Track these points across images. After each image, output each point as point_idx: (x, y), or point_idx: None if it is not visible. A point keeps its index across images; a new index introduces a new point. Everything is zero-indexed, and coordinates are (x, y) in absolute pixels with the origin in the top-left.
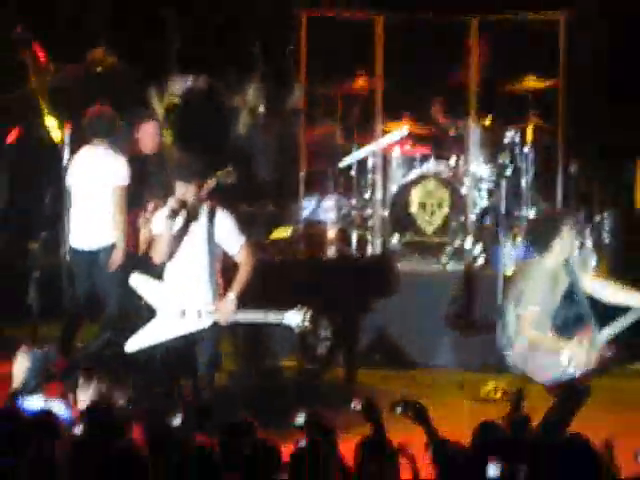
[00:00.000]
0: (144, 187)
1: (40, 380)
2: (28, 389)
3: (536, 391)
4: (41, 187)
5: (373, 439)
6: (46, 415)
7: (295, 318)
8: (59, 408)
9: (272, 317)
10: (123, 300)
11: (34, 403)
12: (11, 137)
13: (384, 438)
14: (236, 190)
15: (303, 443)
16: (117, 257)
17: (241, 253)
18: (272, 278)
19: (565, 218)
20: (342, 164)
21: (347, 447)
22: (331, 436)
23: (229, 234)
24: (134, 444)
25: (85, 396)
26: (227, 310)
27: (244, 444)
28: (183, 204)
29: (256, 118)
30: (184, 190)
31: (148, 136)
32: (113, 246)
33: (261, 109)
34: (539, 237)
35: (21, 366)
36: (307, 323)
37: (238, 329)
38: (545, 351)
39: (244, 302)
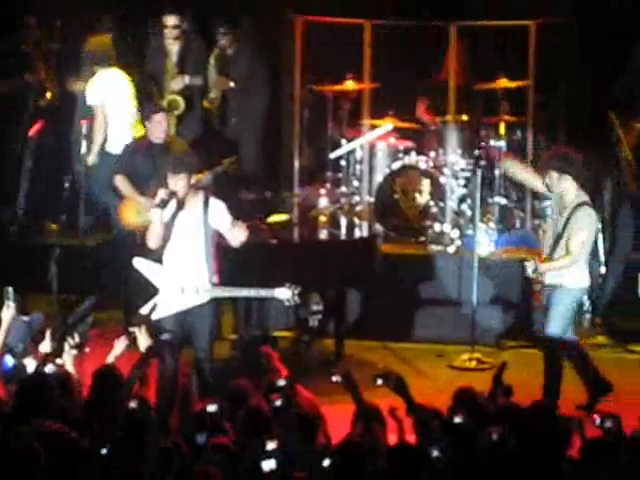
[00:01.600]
0: (153, 176)
1: (28, 344)
2: (17, 353)
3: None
4: (61, 174)
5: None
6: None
7: (285, 293)
8: (49, 369)
9: (264, 293)
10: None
11: (28, 365)
12: (34, 129)
13: (363, 404)
14: (237, 178)
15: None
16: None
17: (232, 228)
18: (269, 258)
19: None
20: (333, 155)
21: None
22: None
23: (221, 215)
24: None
25: (70, 360)
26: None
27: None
28: (172, 194)
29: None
30: (174, 181)
31: (157, 126)
32: None
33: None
34: None
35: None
36: (296, 298)
37: (238, 304)
38: None
39: (243, 279)
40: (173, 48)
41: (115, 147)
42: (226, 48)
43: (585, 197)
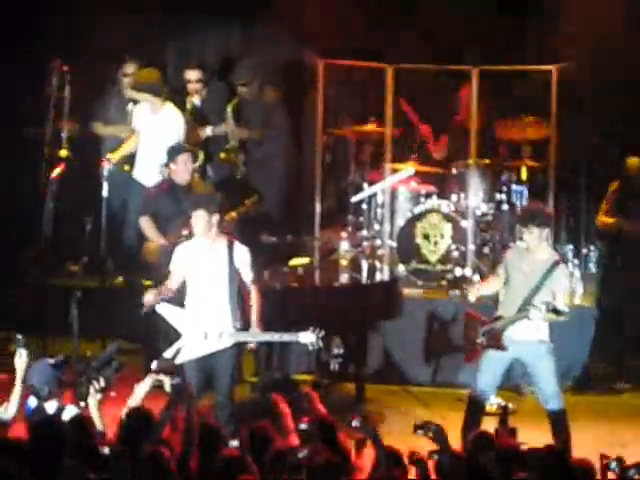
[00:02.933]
0: (176, 218)
1: (52, 388)
2: (42, 395)
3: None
4: (82, 216)
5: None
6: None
7: (309, 337)
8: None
9: (287, 337)
10: None
11: (49, 407)
12: (56, 172)
13: (383, 449)
14: (259, 221)
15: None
16: None
17: (253, 283)
18: (291, 302)
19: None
20: (355, 199)
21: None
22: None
23: (246, 263)
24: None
25: (95, 403)
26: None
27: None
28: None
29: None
30: (196, 219)
31: (182, 166)
32: None
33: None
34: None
35: (29, 375)
36: (320, 342)
37: (260, 347)
38: None
39: (266, 324)
40: (194, 100)
41: (142, 175)
42: (245, 97)
43: (557, 254)
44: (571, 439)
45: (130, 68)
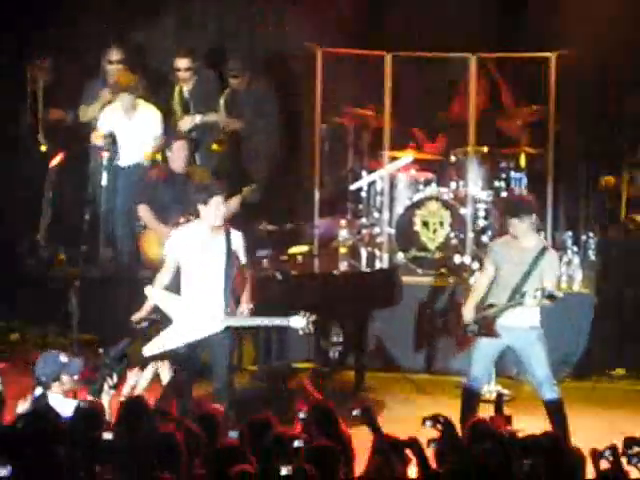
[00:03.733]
0: (175, 206)
1: (61, 379)
2: (42, 383)
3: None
4: (81, 205)
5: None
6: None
7: (300, 322)
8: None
9: (278, 322)
10: None
11: (54, 399)
12: (55, 161)
13: (382, 438)
14: (258, 209)
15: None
16: None
17: (248, 268)
18: (290, 290)
19: None
20: (353, 187)
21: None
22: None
23: (241, 248)
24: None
25: (108, 400)
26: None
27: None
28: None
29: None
30: (221, 207)
31: (178, 153)
32: None
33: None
34: None
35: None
36: (310, 326)
37: (259, 335)
38: None
39: (265, 311)
40: (183, 88)
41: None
42: (237, 88)
43: (544, 241)
44: (569, 427)
45: (115, 55)
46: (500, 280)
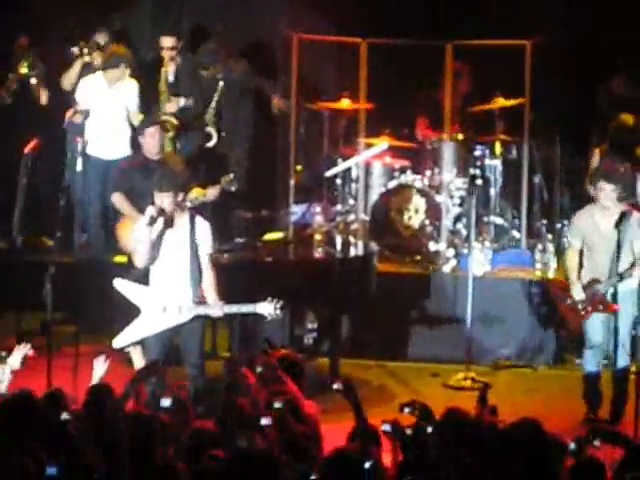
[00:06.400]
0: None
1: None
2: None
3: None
4: (56, 191)
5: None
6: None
7: (267, 308)
8: None
9: (245, 308)
10: None
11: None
12: (29, 146)
13: (362, 414)
14: (233, 196)
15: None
16: None
17: (210, 259)
18: (264, 277)
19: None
20: (328, 174)
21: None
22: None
23: (206, 238)
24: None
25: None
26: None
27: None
28: (161, 212)
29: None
30: (160, 199)
31: (150, 140)
32: None
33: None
34: None
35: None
36: (278, 312)
37: (234, 322)
38: None
39: (237, 298)
40: (169, 69)
41: (94, 150)
42: (209, 79)
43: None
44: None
45: (100, 38)
46: (592, 254)
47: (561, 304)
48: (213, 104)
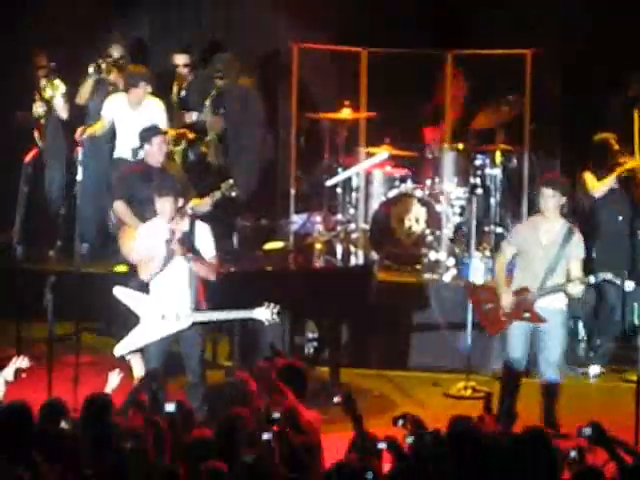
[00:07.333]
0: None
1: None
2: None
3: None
4: (58, 200)
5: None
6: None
7: (264, 314)
8: None
9: (242, 314)
10: None
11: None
12: (30, 156)
13: (362, 427)
14: (234, 205)
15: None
16: None
17: (213, 262)
18: (264, 286)
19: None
20: (329, 183)
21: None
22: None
23: (207, 240)
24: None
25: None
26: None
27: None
28: (173, 232)
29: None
30: (162, 204)
31: (158, 148)
32: None
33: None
34: None
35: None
36: (275, 317)
37: (234, 331)
38: None
39: (238, 306)
40: (182, 84)
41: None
42: (224, 88)
43: (569, 223)
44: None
45: (115, 51)
46: (528, 263)
47: (479, 310)
48: (207, 112)
